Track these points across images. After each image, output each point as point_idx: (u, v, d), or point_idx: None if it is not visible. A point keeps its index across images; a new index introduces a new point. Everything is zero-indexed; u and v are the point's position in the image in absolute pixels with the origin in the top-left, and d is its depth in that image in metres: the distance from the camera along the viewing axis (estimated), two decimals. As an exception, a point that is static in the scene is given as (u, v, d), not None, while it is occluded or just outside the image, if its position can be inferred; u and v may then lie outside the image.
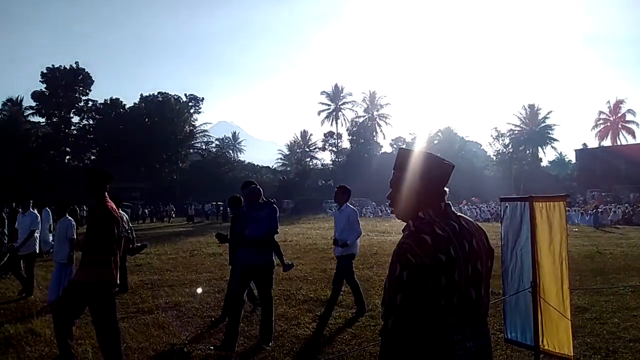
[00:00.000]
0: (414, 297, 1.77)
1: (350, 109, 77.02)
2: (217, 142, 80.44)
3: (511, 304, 4.06)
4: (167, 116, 63.74)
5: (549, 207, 3.70)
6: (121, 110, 64.89)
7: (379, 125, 75.24)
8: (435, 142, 67.61)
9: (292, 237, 20.54)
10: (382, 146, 74.21)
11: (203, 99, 69.09)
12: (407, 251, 1.80)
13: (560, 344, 3.70)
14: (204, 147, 72.93)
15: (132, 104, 66.03)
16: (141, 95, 66.50)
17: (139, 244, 9.99)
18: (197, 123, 70.67)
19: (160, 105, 63.93)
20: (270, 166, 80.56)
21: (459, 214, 2.01)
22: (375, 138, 73.58)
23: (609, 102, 70.51)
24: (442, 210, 1.95)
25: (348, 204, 7.32)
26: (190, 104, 68.21)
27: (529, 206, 3.83)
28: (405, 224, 2.01)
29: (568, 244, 3.63)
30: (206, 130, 74.53)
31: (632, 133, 68.63)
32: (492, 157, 68.98)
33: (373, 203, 49.47)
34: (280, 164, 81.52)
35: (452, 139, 67.71)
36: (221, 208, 40.28)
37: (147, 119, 63.91)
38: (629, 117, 69.19)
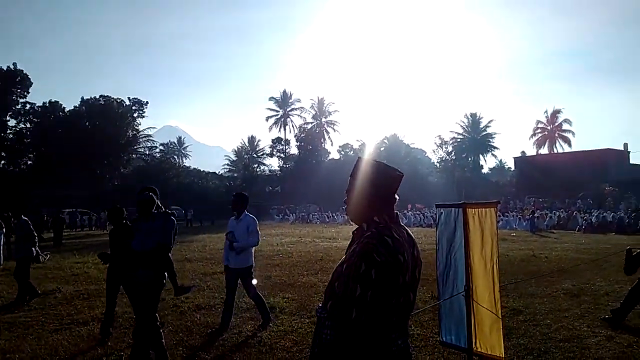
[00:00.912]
0: (383, 294, 1.87)
1: (298, 115, 77.14)
2: (161, 147, 78.64)
3: (446, 307, 4.15)
4: (109, 120, 61.60)
5: (481, 213, 3.81)
6: (60, 113, 62.21)
7: (327, 132, 75.77)
8: (382, 149, 68.67)
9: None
10: (329, 153, 74.74)
11: (147, 102, 67.08)
12: (372, 250, 1.89)
13: (492, 346, 3.81)
14: (147, 152, 71.05)
15: (72, 107, 63.61)
16: (82, 98, 64.11)
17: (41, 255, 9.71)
18: (140, 127, 68.64)
19: (102, 109, 61.71)
20: (217, 172, 79.38)
21: (401, 223, 2.15)
22: (323, 145, 73.97)
23: (546, 111, 73.80)
24: (394, 217, 2.10)
25: (247, 212, 6.92)
26: (133, 107, 66.07)
27: (462, 212, 3.93)
28: (356, 226, 2.14)
29: (499, 248, 3.75)
30: (150, 135, 72.64)
31: (568, 142, 72.13)
32: (436, 164, 70.71)
33: (318, 209, 49.59)
34: (227, 169, 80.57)
35: (398, 146, 69.02)
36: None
37: (87, 123, 61.61)
38: (565, 126, 72.67)
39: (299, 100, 78.00)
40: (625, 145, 67.29)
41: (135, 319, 5.22)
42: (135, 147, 68.16)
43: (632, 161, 67.00)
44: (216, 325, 6.85)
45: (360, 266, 1.88)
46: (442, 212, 4.16)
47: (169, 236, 5.17)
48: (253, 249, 6.94)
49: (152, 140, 72.92)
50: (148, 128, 72.84)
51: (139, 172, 63.87)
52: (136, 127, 67.33)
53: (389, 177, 2.11)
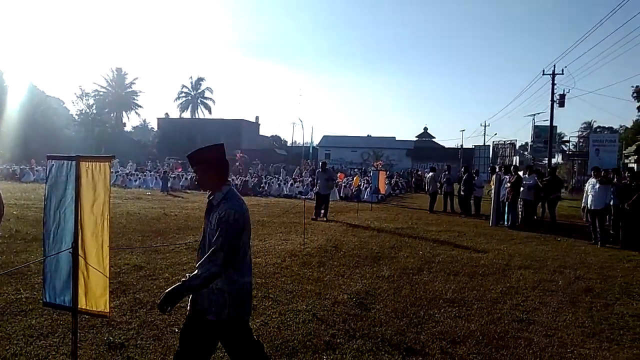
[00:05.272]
0: None
1: None
2: None
3: (51, 266, 3.87)
4: None
5: (94, 168, 3.66)
6: None
7: None
8: (7, 94, 59.36)
9: None
10: None
11: None
12: None
13: (97, 302, 3.75)
14: None
15: None
16: None
17: None
18: None
19: None
20: None
21: None
22: None
23: (191, 77, 77.71)
24: None
25: None
26: None
27: (75, 165, 3.70)
28: None
29: (111, 204, 3.69)
30: None
31: (209, 108, 78.18)
32: (75, 116, 65.57)
33: None
34: None
35: (31, 93, 60.88)
36: None
37: None
38: (207, 94, 78.36)
39: None
40: (257, 117, 77.15)
41: None
42: None
43: (261, 133, 77.04)
44: None
45: None
46: (53, 165, 3.83)
47: None
48: None
49: None
50: None
51: None
52: None
53: None
